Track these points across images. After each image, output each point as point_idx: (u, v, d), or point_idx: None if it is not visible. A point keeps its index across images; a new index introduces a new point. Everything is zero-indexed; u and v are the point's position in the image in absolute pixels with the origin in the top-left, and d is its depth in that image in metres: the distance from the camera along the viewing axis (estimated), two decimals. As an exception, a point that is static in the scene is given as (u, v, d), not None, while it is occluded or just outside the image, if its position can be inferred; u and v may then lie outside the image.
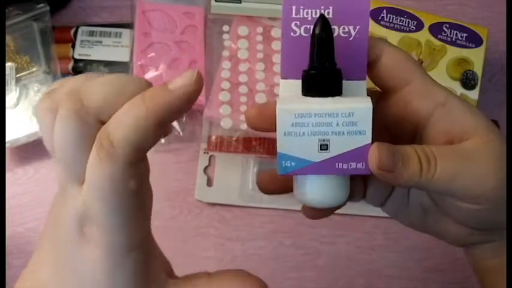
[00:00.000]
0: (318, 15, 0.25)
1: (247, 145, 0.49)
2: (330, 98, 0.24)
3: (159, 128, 0.21)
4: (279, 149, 0.25)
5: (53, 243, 0.24)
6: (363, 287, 0.48)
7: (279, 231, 0.49)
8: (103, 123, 0.21)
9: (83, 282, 0.23)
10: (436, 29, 0.47)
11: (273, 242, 0.48)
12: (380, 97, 0.28)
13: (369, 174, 0.24)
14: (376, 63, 0.26)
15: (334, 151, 0.24)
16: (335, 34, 0.25)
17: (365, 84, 0.26)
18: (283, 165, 0.25)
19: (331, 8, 0.25)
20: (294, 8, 0.25)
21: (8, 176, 0.48)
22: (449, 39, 0.46)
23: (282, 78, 0.26)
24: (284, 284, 0.48)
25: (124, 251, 0.22)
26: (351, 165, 0.24)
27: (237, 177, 0.49)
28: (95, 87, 0.21)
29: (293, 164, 0.25)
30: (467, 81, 0.46)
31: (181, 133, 0.49)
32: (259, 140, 0.49)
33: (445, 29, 0.47)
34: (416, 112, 0.26)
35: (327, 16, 0.25)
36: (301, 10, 0.25)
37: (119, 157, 0.20)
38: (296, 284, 0.47)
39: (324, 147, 0.24)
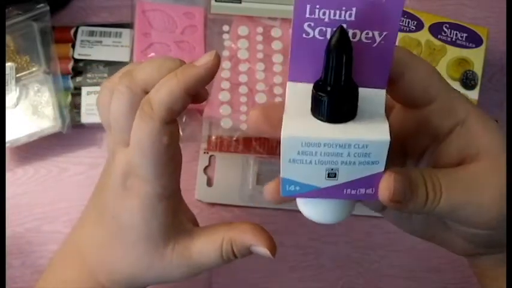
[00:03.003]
0: (336, 16, 0.21)
1: (247, 145, 0.49)
2: (342, 125, 0.22)
3: (187, 94, 0.26)
4: (282, 174, 0.23)
5: (99, 199, 0.30)
6: (362, 287, 0.48)
7: (279, 231, 0.49)
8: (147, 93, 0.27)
9: (122, 228, 0.29)
10: (436, 29, 0.47)
11: (273, 242, 0.48)
12: (395, 105, 0.27)
13: (377, 199, 0.23)
14: (399, 80, 0.24)
15: (342, 179, 0.23)
16: (356, 39, 0.22)
17: (384, 93, 0.23)
18: (287, 189, 0.23)
19: (353, 9, 0.21)
20: (308, 7, 0.21)
21: (8, 176, 0.48)
22: (449, 39, 0.46)
23: (290, 81, 0.23)
24: (284, 284, 0.48)
25: (157, 199, 0.27)
26: (359, 191, 0.23)
27: (237, 177, 0.49)
28: (141, 66, 0.27)
29: (297, 188, 0.23)
30: (467, 81, 0.46)
31: (181, 133, 0.49)
32: (259, 140, 0.49)
33: (445, 29, 0.47)
34: (436, 130, 0.26)
35: (348, 19, 0.21)
36: (317, 10, 0.21)
37: (155, 117, 0.26)
38: (296, 284, 0.47)
39: (332, 175, 0.22)
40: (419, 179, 0.24)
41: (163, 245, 0.29)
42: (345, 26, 0.21)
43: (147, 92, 0.27)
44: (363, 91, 0.22)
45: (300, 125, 0.22)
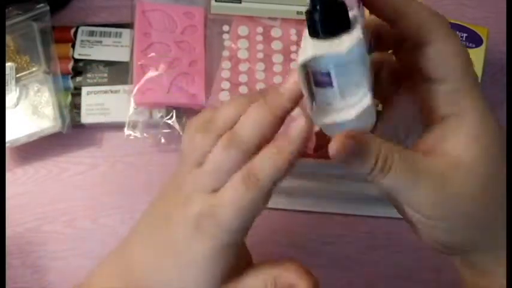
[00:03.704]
0: None
1: (247, 145, 0.49)
2: (318, 39, 0.23)
3: (291, 166, 0.26)
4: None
5: (152, 229, 0.30)
6: (362, 287, 0.48)
7: (279, 231, 0.49)
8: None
9: (181, 264, 0.28)
10: (436, 29, 0.46)
11: (272, 242, 0.48)
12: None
13: None
14: (420, 49, 0.25)
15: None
16: None
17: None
18: None
19: None
20: None
21: (8, 176, 0.48)
22: (449, 39, 0.46)
23: None
24: (284, 284, 0.48)
25: (227, 246, 0.27)
26: None
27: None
28: (243, 124, 0.27)
29: None
30: (467, 81, 0.46)
31: (181, 133, 0.49)
32: (259, 140, 0.49)
33: (445, 29, 0.47)
34: (432, 111, 0.26)
35: None
36: None
37: (262, 188, 0.26)
38: (296, 284, 0.47)
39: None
40: (375, 149, 0.24)
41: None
42: None
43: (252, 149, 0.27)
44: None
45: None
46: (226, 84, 0.49)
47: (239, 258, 0.30)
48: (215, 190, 0.27)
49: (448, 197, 0.25)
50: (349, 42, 0.23)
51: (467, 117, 0.25)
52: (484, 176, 0.25)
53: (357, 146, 0.24)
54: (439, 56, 0.25)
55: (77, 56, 0.51)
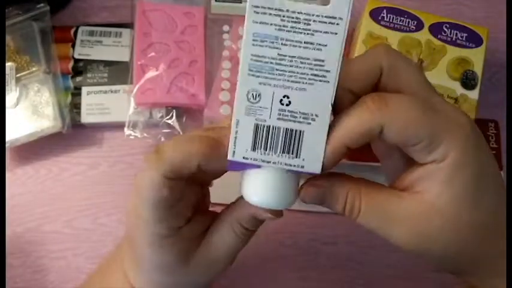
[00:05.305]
0: None
1: (247, 145, 0.49)
2: None
3: (199, 167, 0.27)
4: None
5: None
6: (362, 287, 0.48)
7: (279, 231, 0.49)
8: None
9: (138, 257, 0.29)
10: (436, 29, 0.46)
11: (273, 242, 0.48)
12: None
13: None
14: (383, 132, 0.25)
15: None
16: None
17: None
18: None
19: None
20: None
21: (8, 176, 0.48)
22: (449, 39, 0.46)
23: None
24: (284, 284, 0.48)
25: (161, 237, 0.28)
26: None
27: (237, 177, 0.49)
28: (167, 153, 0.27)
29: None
30: (467, 81, 0.46)
31: (181, 133, 0.49)
32: (259, 140, 0.49)
33: (445, 29, 0.47)
34: (415, 158, 0.26)
35: None
36: None
37: (159, 168, 0.26)
38: (296, 284, 0.47)
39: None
40: (341, 196, 0.27)
41: (183, 265, 0.29)
42: None
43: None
44: None
45: None
46: (226, 84, 0.49)
47: (202, 236, 0.30)
48: None
49: (415, 237, 0.26)
50: None
51: (445, 162, 0.25)
52: (454, 220, 0.25)
53: (322, 194, 0.27)
54: (404, 131, 0.24)
55: (77, 56, 0.51)
